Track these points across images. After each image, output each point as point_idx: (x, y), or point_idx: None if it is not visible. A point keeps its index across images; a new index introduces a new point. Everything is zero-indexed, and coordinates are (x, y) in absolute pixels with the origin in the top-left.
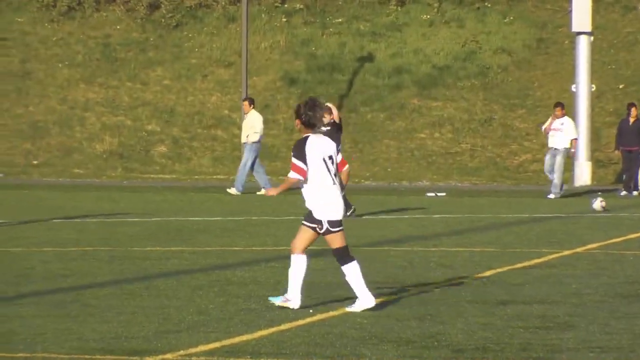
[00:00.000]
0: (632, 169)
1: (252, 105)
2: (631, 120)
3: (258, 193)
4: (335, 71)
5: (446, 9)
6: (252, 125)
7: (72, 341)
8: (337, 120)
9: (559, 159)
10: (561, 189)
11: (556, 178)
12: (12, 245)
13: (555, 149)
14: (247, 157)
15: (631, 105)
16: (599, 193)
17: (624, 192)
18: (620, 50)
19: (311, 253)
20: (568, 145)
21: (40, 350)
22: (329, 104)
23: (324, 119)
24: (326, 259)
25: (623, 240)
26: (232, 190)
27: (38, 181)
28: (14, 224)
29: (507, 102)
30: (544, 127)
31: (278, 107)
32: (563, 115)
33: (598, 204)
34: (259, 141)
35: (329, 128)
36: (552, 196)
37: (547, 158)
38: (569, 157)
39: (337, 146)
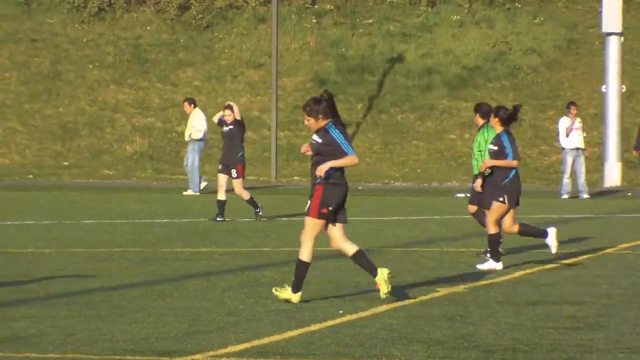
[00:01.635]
0: None
1: (192, 105)
2: None
3: (184, 193)
4: (366, 72)
5: (476, 10)
6: (194, 125)
7: (102, 342)
8: (238, 118)
9: (583, 159)
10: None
11: (582, 178)
12: (43, 246)
13: (579, 148)
14: (192, 156)
15: None
16: (629, 194)
17: None
18: None
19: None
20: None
21: (71, 351)
22: (231, 103)
23: (228, 118)
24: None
25: None
26: (189, 192)
27: (68, 182)
28: (44, 225)
29: (537, 102)
30: (566, 127)
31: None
32: (576, 117)
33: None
34: (202, 139)
35: (231, 127)
36: (565, 196)
37: (569, 159)
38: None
39: (241, 145)
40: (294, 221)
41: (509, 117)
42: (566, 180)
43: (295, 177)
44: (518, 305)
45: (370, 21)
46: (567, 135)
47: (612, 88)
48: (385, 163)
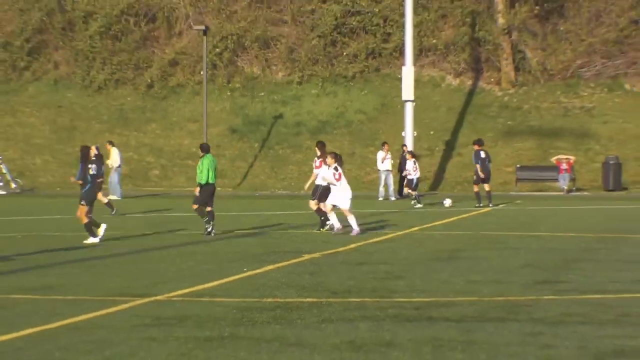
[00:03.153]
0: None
1: (111, 145)
2: None
3: (111, 197)
4: (260, 124)
5: (327, 87)
6: (114, 159)
7: (99, 289)
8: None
9: (391, 176)
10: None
11: (391, 188)
12: (61, 231)
13: (389, 170)
14: (116, 177)
15: None
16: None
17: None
18: (431, 111)
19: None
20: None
21: (81, 294)
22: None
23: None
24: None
25: (432, 225)
26: (113, 197)
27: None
28: (65, 219)
29: (363, 142)
30: (381, 157)
31: (225, 147)
32: (389, 150)
33: (448, 201)
34: (119, 166)
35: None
36: (380, 199)
37: (383, 176)
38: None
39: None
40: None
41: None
42: (381, 189)
43: (219, 188)
44: (352, 265)
45: (262, 94)
46: (382, 162)
47: (409, 133)
48: (272, 179)
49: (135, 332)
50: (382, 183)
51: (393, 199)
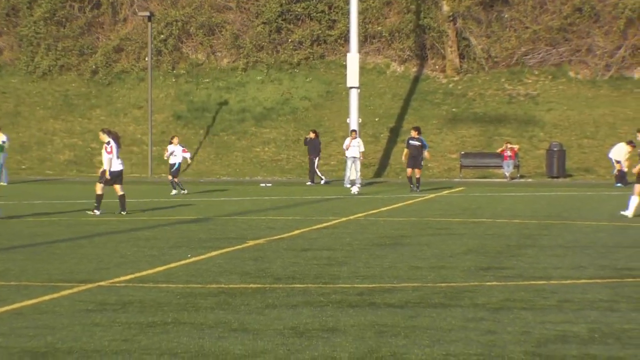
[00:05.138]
0: None
1: None
2: None
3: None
4: (205, 111)
5: (272, 74)
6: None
7: (43, 274)
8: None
9: (359, 163)
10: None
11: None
12: (9, 216)
13: (355, 157)
14: (2, 160)
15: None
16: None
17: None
18: (376, 98)
19: (189, 220)
20: (360, 155)
21: (24, 280)
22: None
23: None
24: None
25: (376, 212)
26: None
27: (24, 178)
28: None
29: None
30: (345, 146)
31: (169, 133)
32: (356, 137)
33: (356, 189)
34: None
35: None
36: (355, 190)
37: (349, 163)
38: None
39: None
40: (162, 201)
41: None
42: (347, 176)
43: (163, 175)
44: (296, 251)
45: (207, 80)
46: (347, 149)
47: (354, 120)
48: (217, 165)
49: (78, 317)
50: (348, 170)
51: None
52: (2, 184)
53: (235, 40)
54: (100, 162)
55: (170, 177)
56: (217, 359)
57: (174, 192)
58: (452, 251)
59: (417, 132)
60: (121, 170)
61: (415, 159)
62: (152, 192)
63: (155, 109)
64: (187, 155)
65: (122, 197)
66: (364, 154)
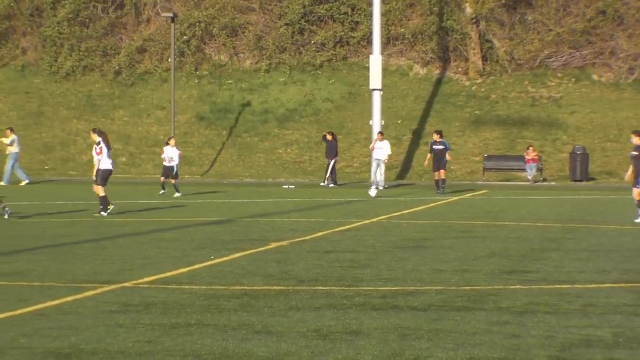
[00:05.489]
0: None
1: (11, 131)
2: None
3: (21, 184)
4: (228, 112)
5: (294, 75)
6: (13, 145)
7: (67, 275)
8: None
9: (383, 166)
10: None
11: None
12: (34, 217)
13: (379, 159)
14: (11, 163)
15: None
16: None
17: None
18: (398, 100)
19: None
20: (386, 158)
21: (48, 281)
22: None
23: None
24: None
25: (399, 214)
26: (1, 183)
27: (47, 178)
28: (38, 204)
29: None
30: (370, 146)
31: (192, 134)
32: (382, 140)
33: (373, 191)
34: (17, 153)
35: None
36: (372, 192)
37: (374, 165)
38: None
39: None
40: (185, 202)
41: None
42: (373, 177)
43: (186, 176)
44: (319, 253)
45: (230, 81)
46: (373, 150)
47: (376, 122)
48: (240, 167)
49: (102, 318)
50: (374, 172)
51: (380, 187)
52: (1, 183)
53: (258, 41)
54: (124, 163)
55: (171, 181)
56: None
57: (177, 194)
58: (476, 254)
59: (439, 136)
60: (111, 171)
61: (439, 161)
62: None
63: (178, 110)
64: (178, 152)
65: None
66: (389, 156)
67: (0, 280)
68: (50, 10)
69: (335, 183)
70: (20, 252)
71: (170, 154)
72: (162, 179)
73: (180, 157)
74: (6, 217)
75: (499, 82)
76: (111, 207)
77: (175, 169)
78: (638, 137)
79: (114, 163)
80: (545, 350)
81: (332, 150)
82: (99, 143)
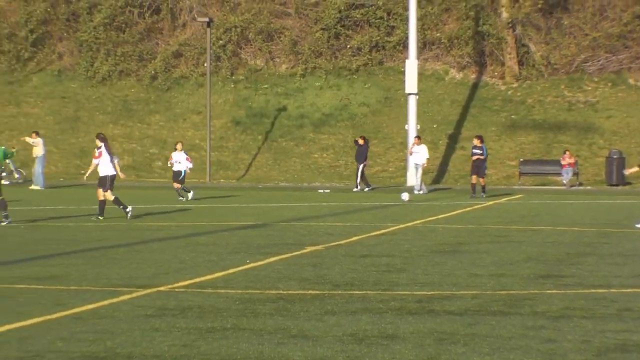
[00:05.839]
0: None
1: (37, 135)
2: None
3: (31, 187)
4: (264, 117)
5: (330, 79)
6: (39, 148)
7: (103, 279)
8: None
9: (420, 170)
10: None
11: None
12: (68, 221)
13: (417, 163)
14: (41, 166)
15: None
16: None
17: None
18: (434, 104)
19: (247, 226)
20: (424, 162)
21: (84, 285)
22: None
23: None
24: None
25: (435, 219)
26: (35, 187)
27: (85, 183)
28: (66, 209)
29: (366, 135)
30: (408, 151)
31: (228, 139)
32: (420, 144)
33: (406, 195)
34: (43, 156)
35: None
36: (405, 196)
37: (413, 171)
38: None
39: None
40: (221, 207)
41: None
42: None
43: (222, 180)
44: (354, 258)
45: (266, 86)
46: (410, 154)
47: (412, 126)
48: (275, 171)
49: (137, 322)
50: (413, 176)
51: (421, 192)
52: (37, 187)
53: (294, 46)
54: (160, 168)
55: (177, 186)
56: None
57: (184, 198)
58: (511, 259)
59: (479, 140)
60: (114, 176)
61: (478, 167)
62: (210, 198)
63: (214, 115)
64: (190, 165)
65: (102, 202)
66: (427, 160)
67: (38, 284)
68: (86, 15)
69: (368, 186)
70: (57, 256)
71: (178, 159)
72: (176, 185)
73: (189, 167)
74: (4, 223)
75: (535, 86)
76: (129, 208)
77: (182, 174)
78: None
79: (115, 168)
80: (581, 355)
81: (362, 155)
82: (99, 148)
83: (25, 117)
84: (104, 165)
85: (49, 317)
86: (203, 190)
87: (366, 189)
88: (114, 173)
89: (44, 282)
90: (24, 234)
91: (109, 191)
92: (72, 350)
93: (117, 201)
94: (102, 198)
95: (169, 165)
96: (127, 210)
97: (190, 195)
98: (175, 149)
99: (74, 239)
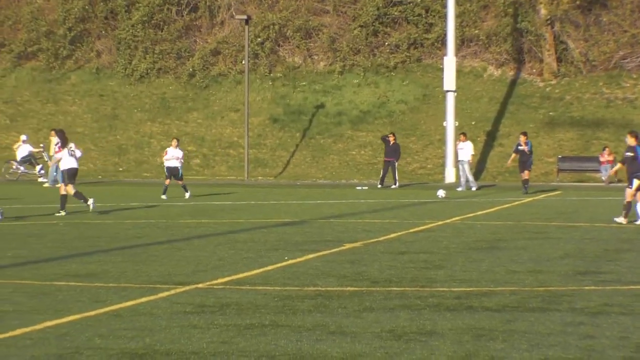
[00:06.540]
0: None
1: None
2: None
3: (45, 185)
4: (302, 114)
5: (368, 77)
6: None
7: (142, 276)
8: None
9: (467, 166)
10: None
11: (470, 177)
12: (107, 219)
13: (463, 160)
14: (55, 165)
15: None
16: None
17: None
18: (472, 101)
19: (283, 223)
20: (470, 158)
21: (123, 282)
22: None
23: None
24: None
25: (473, 215)
26: (48, 185)
27: (122, 180)
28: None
29: (404, 132)
30: (456, 147)
31: (266, 136)
32: (465, 141)
33: (442, 192)
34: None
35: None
36: (441, 193)
37: (459, 167)
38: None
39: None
40: (259, 204)
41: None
42: (461, 180)
43: (260, 177)
44: (393, 254)
45: (304, 83)
46: (459, 151)
47: (450, 123)
48: (313, 169)
49: (176, 319)
50: (461, 173)
51: (474, 188)
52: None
53: (332, 43)
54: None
55: (167, 182)
56: None
57: (187, 194)
58: (549, 255)
59: (525, 137)
60: (75, 169)
61: (524, 162)
62: (247, 195)
63: (252, 112)
64: (180, 158)
65: (63, 197)
66: (473, 157)
67: (76, 281)
68: (124, 13)
69: (395, 183)
70: (96, 254)
71: (174, 154)
72: (167, 181)
73: (183, 157)
74: None
75: (574, 83)
76: (91, 200)
77: (179, 170)
78: (633, 138)
79: (77, 161)
80: (620, 351)
81: (396, 152)
82: (57, 143)
83: (64, 115)
84: (65, 160)
85: (87, 314)
86: (241, 187)
87: (393, 187)
88: (75, 167)
89: (82, 279)
90: (63, 232)
91: (70, 185)
92: (110, 347)
93: (78, 195)
94: (63, 192)
95: (165, 160)
96: (89, 203)
97: (187, 195)
98: (170, 146)
99: (112, 236)
